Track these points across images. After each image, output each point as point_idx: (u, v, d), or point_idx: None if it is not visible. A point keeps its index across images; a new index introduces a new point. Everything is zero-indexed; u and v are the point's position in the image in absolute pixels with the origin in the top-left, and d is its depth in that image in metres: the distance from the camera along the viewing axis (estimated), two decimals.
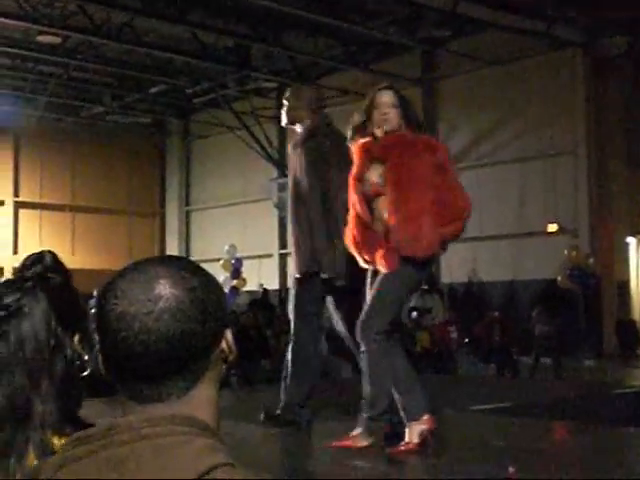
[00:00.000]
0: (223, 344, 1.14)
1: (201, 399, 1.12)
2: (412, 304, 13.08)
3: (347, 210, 3.89)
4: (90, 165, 21.01)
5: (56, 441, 1.41)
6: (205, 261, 17.33)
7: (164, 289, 1.08)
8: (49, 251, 1.57)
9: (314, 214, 4.36)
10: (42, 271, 1.50)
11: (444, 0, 12.61)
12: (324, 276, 4.34)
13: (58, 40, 14.97)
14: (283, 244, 19.72)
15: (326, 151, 4.38)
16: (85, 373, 1.53)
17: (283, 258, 19.72)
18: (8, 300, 1.44)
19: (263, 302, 14.98)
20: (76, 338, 1.50)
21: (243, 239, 19.43)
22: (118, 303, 1.08)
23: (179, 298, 1.08)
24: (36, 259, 1.53)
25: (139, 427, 1.07)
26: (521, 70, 15.17)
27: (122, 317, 1.08)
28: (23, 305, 1.44)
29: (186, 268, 1.12)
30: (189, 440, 1.06)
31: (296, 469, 3.78)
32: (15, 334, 1.42)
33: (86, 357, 1.53)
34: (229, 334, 1.15)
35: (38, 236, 20.23)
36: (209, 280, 1.14)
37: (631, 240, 15.14)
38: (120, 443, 1.07)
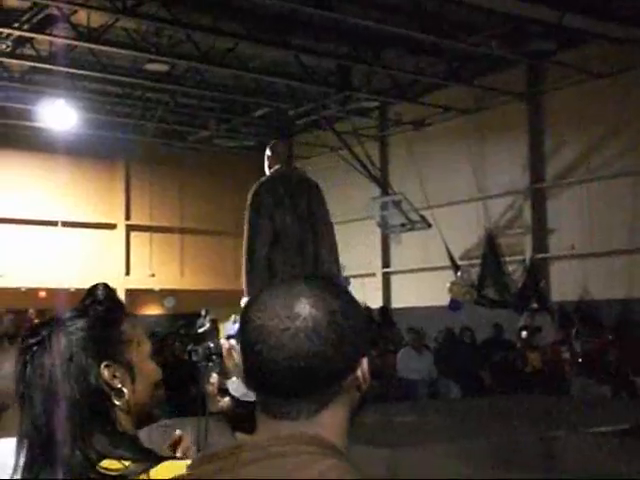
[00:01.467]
0: (359, 372, 1.13)
1: (330, 422, 1.10)
2: (522, 323, 12.78)
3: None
4: (197, 188, 21.54)
5: (106, 463, 1.45)
6: None
7: (304, 308, 1.09)
8: (104, 284, 1.65)
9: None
10: (89, 303, 1.60)
11: (549, 12, 12.34)
12: None
13: (165, 68, 15.46)
14: (386, 263, 19.64)
15: (258, 199, 5.01)
16: (117, 402, 1.54)
17: (386, 277, 19.63)
18: (42, 332, 1.57)
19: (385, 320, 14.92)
20: (108, 370, 1.54)
21: (346, 258, 19.46)
22: (259, 316, 1.10)
23: (317, 319, 1.08)
24: (88, 292, 1.63)
25: (266, 446, 1.07)
26: (631, 81, 14.66)
27: (260, 330, 1.09)
28: (47, 337, 1.55)
29: (330, 291, 1.12)
30: (316, 460, 1.05)
31: None
32: (36, 363, 1.53)
33: (119, 386, 1.54)
34: (365, 363, 1.14)
35: (148, 258, 20.85)
36: (351, 306, 1.13)
37: None
38: (247, 462, 1.07)
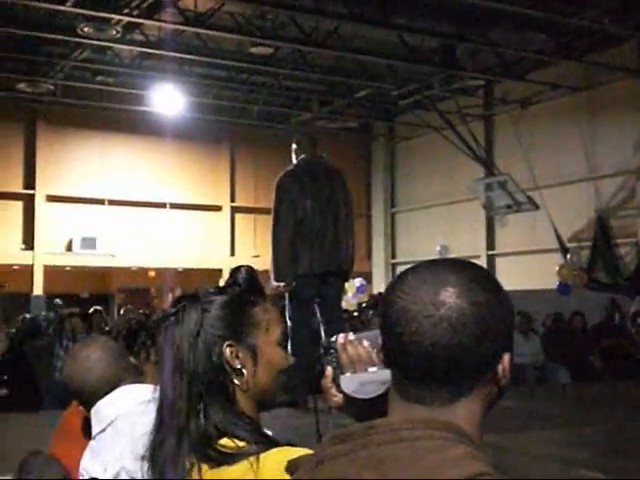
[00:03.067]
0: (499, 367, 1.11)
1: (464, 412, 1.09)
2: (634, 307, 12.31)
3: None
4: None
5: (224, 441, 1.48)
6: (411, 263, 17.30)
7: (449, 297, 1.07)
8: (247, 267, 1.68)
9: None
10: (229, 284, 1.65)
11: None
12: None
13: (270, 51, 15.60)
14: (491, 245, 19.32)
15: (282, 188, 5.35)
16: (236, 382, 1.56)
17: (491, 259, 19.31)
18: (172, 310, 1.61)
19: None
20: (230, 349, 1.56)
21: (449, 240, 19.27)
22: (403, 298, 1.08)
23: (462, 310, 1.06)
24: (231, 273, 1.68)
25: (399, 428, 1.07)
26: None
27: (402, 313, 1.08)
28: (182, 310, 1.59)
29: (478, 281, 1.10)
30: (448, 446, 1.03)
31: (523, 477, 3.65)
32: (169, 334, 1.58)
33: (239, 367, 1.56)
34: (507, 359, 1.12)
35: (252, 239, 21.18)
36: (499, 299, 1.11)
37: None
38: (379, 443, 1.07)
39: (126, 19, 13.54)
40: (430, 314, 1.05)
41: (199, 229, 20.66)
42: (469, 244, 19.30)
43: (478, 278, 1.10)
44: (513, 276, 18.31)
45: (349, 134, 22.09)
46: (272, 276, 5.57)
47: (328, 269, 5.16)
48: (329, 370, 1.40)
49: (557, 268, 15.13)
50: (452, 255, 17.56)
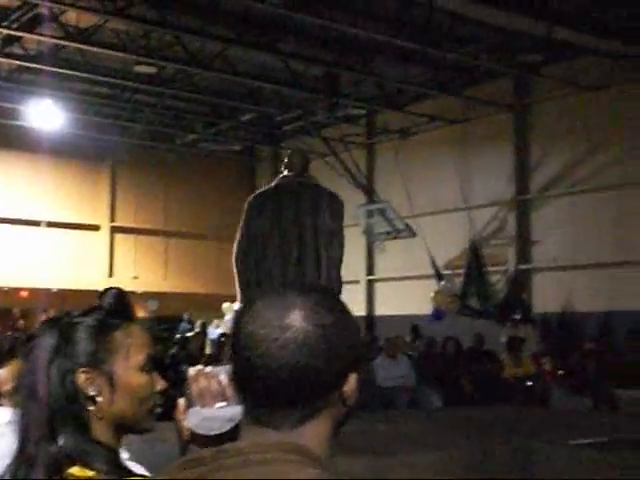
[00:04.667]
0: (346, 387, 1.12)
1: (313, 433, 1.10)
2: (504, 333, 12.83)
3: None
4: (183, 191, 21.51)
5: (75, 469, 1.44)
6: None
7: (296, 320, 1.08)
8: (116, 290, 1.66)
9: None
10: (94, 307, 1.62)
11: (537, 25, 12.42)
12: None
13: (154, 70, 15.44)
14: (370, 271, 19.66)
15: (248, 210, 5.36)
16: (90, 409, 1.53)
17: (370, 284, 19.65)
18: (33, 333, 1.60)
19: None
20: (85, 375, 1.54)
21: None
22: (251, 322, 1.10)
23: (308, 332, 1.08)
24: (99, 296, 1.65)
25: (248, 452, 1.07)
26: (617, 95, 14.78)
27: (250, 337, 1.09)
28: (42, 334, 1.56)
29: (325, 304, 1.12)
30: (297, 469, 1.04)
31: None
32: (28, 359, 1.56)
33: (92, 394, 1.53)
34: (353, 379, 1.13)
35: (132, 260, 20.78)
36: (345, 321, 1.13)
37: None
38: (228, 467, 1.07)
39: (5, 32, 13.11)
40: (276, 337, 1.07)
41: (77, 249, 20.08)
42: (349, 269, 19.42)
43: (325, 301, 1.12)
44: (391, 301, 18.72)
45: (233, 157, 22.10)
46: (238, 298, 5.53)
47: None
48: (181, 401, 1.36)
49: (432, 294, 15.56)
50: None
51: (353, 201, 18.07)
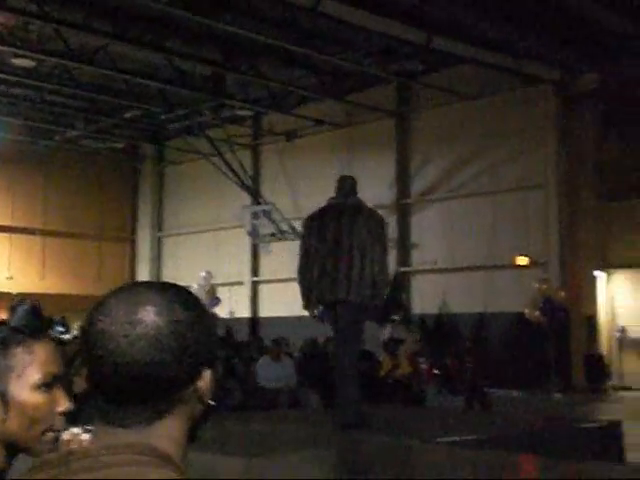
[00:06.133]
0: (201, 383, 1.11)
1: (166, 432, 1.09)
2: (384, 334, 13.09)
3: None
4: (62, 189, 20.88)
5: None
6: None
7: (147, 315, 1.07)
8: (31, 301, 1.60)
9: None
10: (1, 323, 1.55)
11: (418, 34, 12.77)
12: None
13: (33, 64, 14.93)
14: (255, 272, 19.66)
15: (304, 229, 6.14)
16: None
17: (255, 285, 19.65)
18: None
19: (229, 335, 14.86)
20: None
21: (215, 266, 19.35)
22: (102, 319, 1.08)
23: (160, 328, 1.07)
24: (12, 307, 1.60)
25: (98, 454, 1.06)
26: (494, 105, 15.37)
27: (101, 335, 1.07)
28: None
29: (179, 300, 1.11)
30: (147, 471, 1.03)
31: None
32: None
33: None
34: (208, 375, 1.12)
35: (7, 259, 20.01)
36: (199, 317, 1.12)
37: (599, 274, 15.30)
38: (78, 470, 1.05)
39: None
40: (127, 333, 1.05)
41: None
42: (234, 270, 19.52)
43: (178, 297, 1.11)
44: (275, 302, 18.77)
45: (116, 155, 21.63)
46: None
47: (337, 299, 5.83)
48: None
49: None
50: (217, 281, 17.65)
51: (239, 203, 18.07)
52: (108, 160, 21.44)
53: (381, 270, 5.91)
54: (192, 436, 1.14)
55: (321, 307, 6.05)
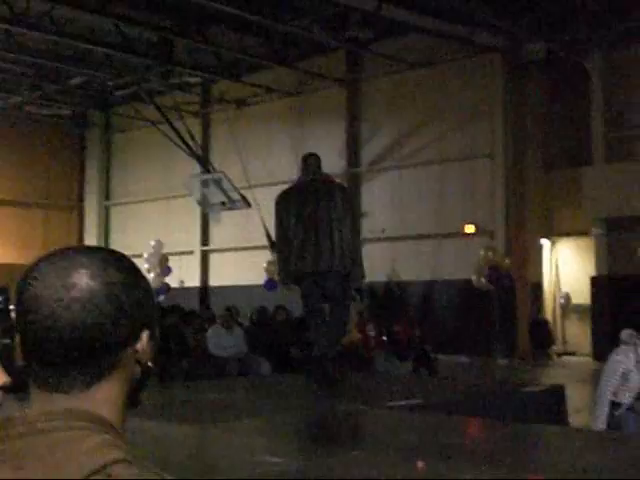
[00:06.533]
0: (138, 346, 1.12)
1: (105, 396, 1.09)
2: None
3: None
4: (6, 157, 20.43)
5: None
6: None
7: (80, 279, 1.07)
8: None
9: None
10: None
11: (368, 1, 12.73)
12: None
13: None
14: (205, 241, 19.57)
15: (276, 207, 6.33)
16: None
17: (205, 255, 19.57)
18: None
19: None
20: None
21: (164, 235, 19.22)
22: (34, 284, 1.07)
23: (94, 290, 1.07)
24: None
25: (35, 421, 1.06)
26: (443, 73, 15.44)
27: (34, 299, 1.07)
28: None
29: (112, 263, 1.11)
30: (85, 435, 1.04)
31: (208, 467, 3.77)
32: None
33: None
34: (145, 336, 1.12)
35: None
36: (135, 279, 1.12)
37: (545, 242, 15.59)
38: (15, 436, 1.05)
39: None
40: (60, 297, 1.05)
41: None
42: (184, 240, 19.41)
43: (111, 259, 1.11)
44: (226, 272, 18.75)
45: (62, 122, 21.21)
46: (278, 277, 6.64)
47: (318, 269, 6.09)
48: None
49: (265, 265, 15.73)
50: (167, 250, 17.54)
51: (188, 171, 17.90)
52: (55, 127, 21.02)
53: (356, 239, 6.28)
54: (133, 400, 1.15)
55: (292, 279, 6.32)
